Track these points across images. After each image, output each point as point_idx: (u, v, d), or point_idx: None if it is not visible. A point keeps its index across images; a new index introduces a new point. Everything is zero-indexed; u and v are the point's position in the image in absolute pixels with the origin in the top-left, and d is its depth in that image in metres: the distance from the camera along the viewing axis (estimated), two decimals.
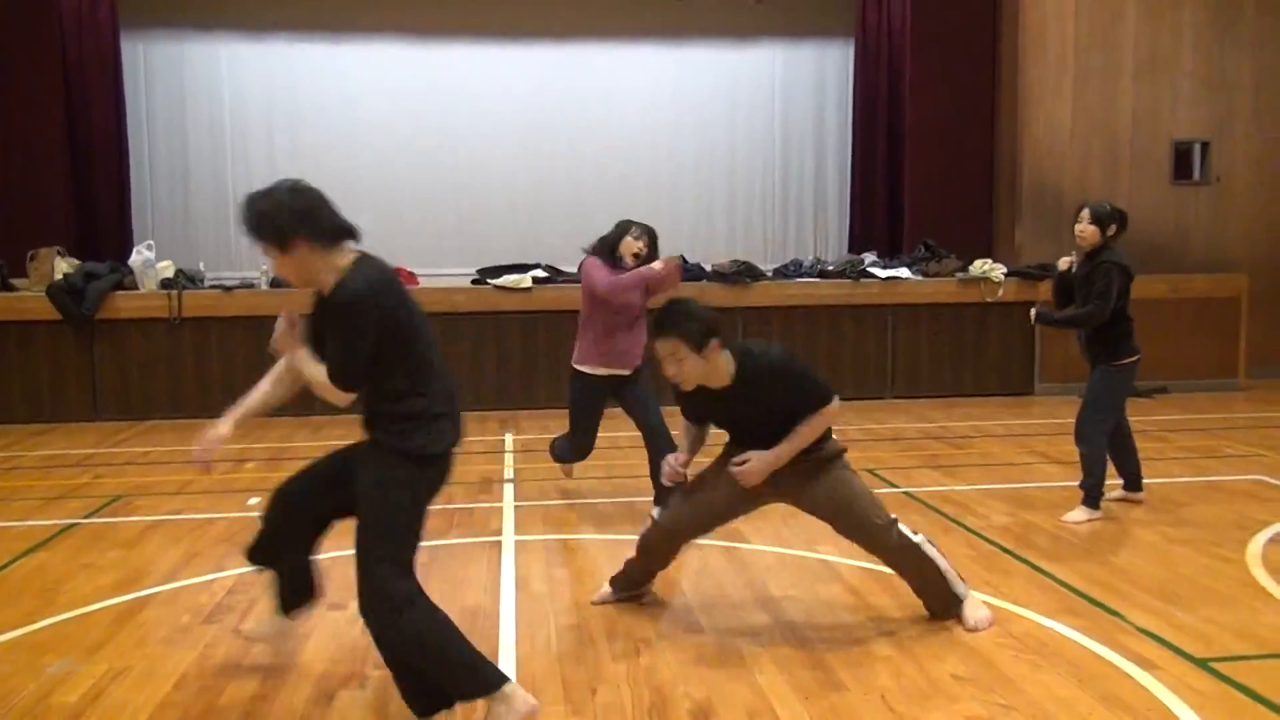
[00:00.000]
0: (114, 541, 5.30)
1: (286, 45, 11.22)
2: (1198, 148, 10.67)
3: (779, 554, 5.00)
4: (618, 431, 8.18)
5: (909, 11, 10.97)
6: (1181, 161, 10.65)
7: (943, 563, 4.05)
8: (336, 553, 5.01)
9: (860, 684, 3.53)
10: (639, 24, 11.46)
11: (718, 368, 3.78)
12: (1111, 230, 5.47)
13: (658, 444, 5.47)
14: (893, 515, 4.02)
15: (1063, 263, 5.80)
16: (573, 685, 3.54)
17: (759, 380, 3.81)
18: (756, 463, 3.85)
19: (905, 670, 3.63)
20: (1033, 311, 5.77)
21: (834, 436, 4.05)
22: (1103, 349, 5.53)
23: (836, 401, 3.92)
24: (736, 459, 3.89)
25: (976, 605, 4.05)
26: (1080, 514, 5.55)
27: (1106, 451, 5.60)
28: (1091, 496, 5.57)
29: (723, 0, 11.43)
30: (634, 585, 4.32)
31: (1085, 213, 5.51)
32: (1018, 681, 3.52)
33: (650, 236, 5.57)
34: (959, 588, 4.06)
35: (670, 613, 4.24)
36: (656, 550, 4.18)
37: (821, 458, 3.97)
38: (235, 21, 11.03)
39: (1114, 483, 5.80)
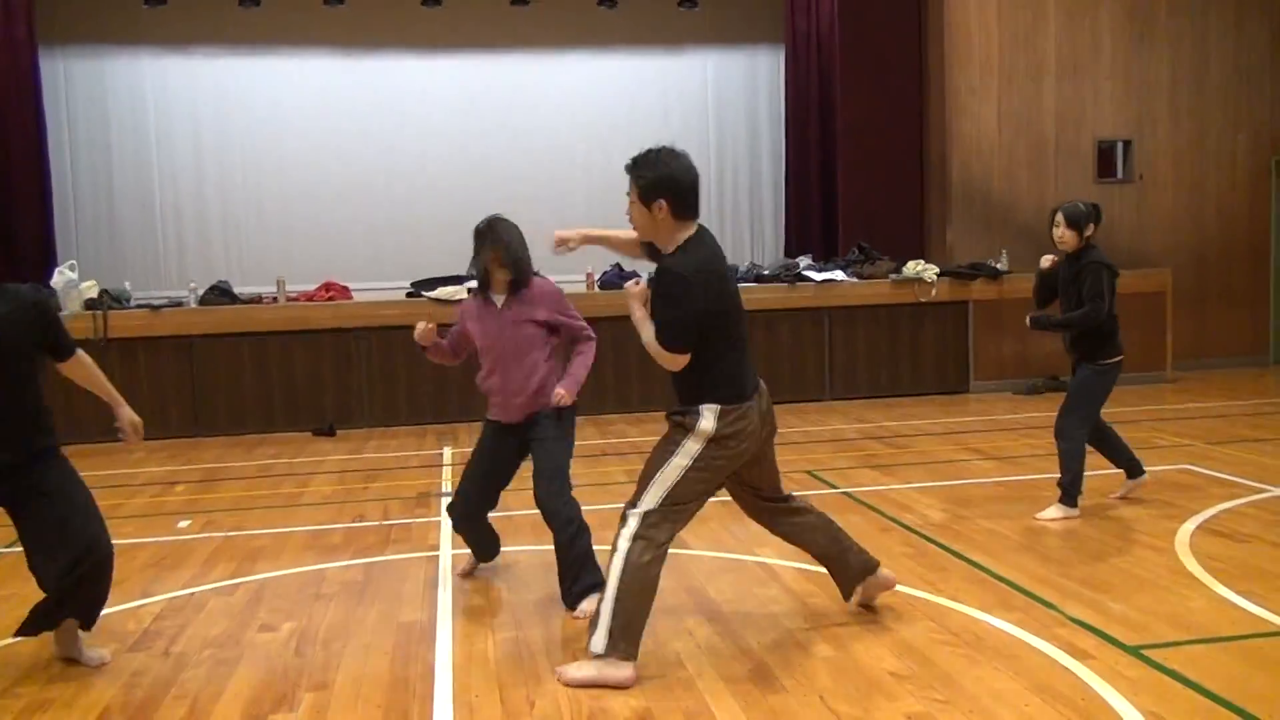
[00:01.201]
0: None
1: (212, 60, 11.06)
2: (1120, 146, 10.91)
3: (719, 558, 5.00)
4: None
5: (836, 17, 11.08)
6: (1105, 160, 10.89)
7: (607, 606, 3.53)
8: (271, 574, 4.93)
9: (800, 685, 3.52)
10: (570, 33, 11.46)
11: (663, 230, 3.58)
12: (1090, 230, 5.40)
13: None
14: (641, 519, 3.56)
15: (1045, 261, 5.72)
16: (510, 698, 3.49)
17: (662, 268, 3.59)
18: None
19: (844, 670, 3.64)
20: (1029, 318, 5.64)
21: (715, 418, 3.56)
22: (1090, 348, 5.48)
23: (660, 346, 3.54)
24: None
25: (581, 666, 3.56)
26: (1056, 511, 5.48)
27: (1085, 449, 5.53)
28: (1069, 494, 5.49)
29: (652, 8, 11.46)
30: None
31: (1060, 217, 5.42)
32: (955, 676, 3.54)
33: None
34: (598, 638, 3.53)
35: None
36: None
37: (676, 419, 3.64)
38: (159, 36, 10.84)
39: (1101, 474, 5.87)
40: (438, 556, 5.18)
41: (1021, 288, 9.96)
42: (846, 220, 11.12)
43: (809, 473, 6.82)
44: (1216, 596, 4.24)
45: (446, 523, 5.81)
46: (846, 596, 4.15)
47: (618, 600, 3.54)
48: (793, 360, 9.77)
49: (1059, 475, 5.52)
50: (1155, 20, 10.88)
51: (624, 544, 3.58)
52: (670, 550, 5.00)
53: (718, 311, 3.57)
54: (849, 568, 4.10)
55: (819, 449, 7.65)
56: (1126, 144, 10.91)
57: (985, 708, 3.29)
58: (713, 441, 3.59)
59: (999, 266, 10.03)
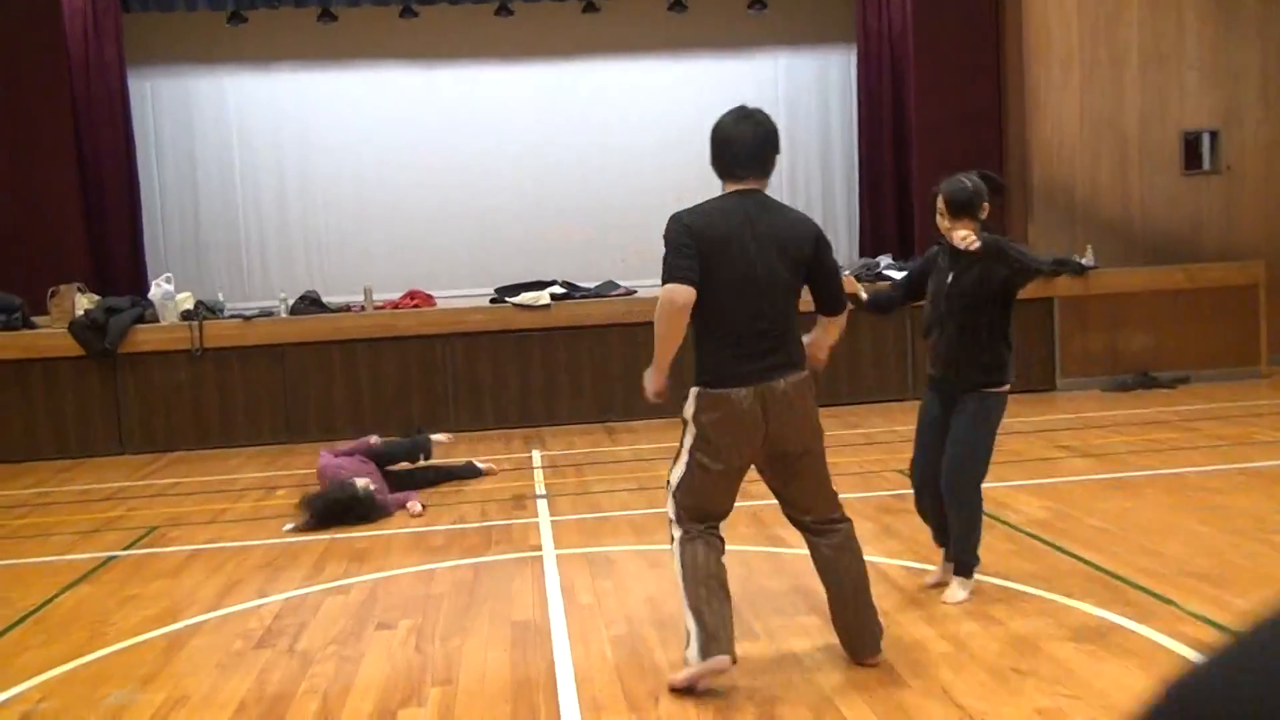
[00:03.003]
0: (155, 572, 5.30)
1: (292, 75, 11.29)
2: (1206, 137, 10.67)
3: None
4: (641, 444, 8.21)
5: (909, 15, 11.00)
6: (1191, 152, 10.65)
7: (688, 612, 3.48)
8: (380, 574, 5.02)
9: (921, 681, 3.51)
10: (641, 39, 11.52)
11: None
12: (984, 212, 4.07)
13: None
14: (671, 524, 3.60)
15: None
16: (635, 695, 3.53)
17: None
18: None
19: (964, 666, 3.62)
20: (866, 297, 4.37)
21: (693, 400, 3.53)
22: (987, 366, 4.12)
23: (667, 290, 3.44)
24: None
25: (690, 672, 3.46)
26: (961, 590, 4.17)
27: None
28: (965, 563, 4.20)
29: (722, 11, 11.48)
30: None
31: (941, 203, 4.09)
32: (1080, 673, 3.51)
33: None
34: (691, 647, 3.46)
35: None
36: None
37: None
38: (240, 54, 11.10)
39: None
40: (541, 557, 5.23)
41: (1108, 283, 9.84)
42: (923, 220, 11.02)
43: (900, 472, 6.77)
44: None
45: (546, 524, 5.90)
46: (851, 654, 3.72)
47: (690, 607, 3.50)
48: (876, 360, 9.71)
49: (955, 548, 4.18)
50: (1242, 6, 10.64)
51: (673, 550, 3.61)
52: (771, 550, 5.01)
53: (706, 264, 3.43)
54: (857, 637, 3.70)
55: (908, 448, 7.56)
56: (1213, 135, 10.67)
57: (1118, 703, 3.26)
58: (697, 429, 3.51)
59: (1085, 262, 9.86)
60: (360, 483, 6.11)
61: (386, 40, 11.25)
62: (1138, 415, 8.40)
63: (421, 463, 7.00)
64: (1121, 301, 9.84)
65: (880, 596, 4.36)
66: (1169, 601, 4.12)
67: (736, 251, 3.45)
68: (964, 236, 3.86)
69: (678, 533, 3.60)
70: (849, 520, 3.73)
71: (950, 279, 4.16)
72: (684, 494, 3.58)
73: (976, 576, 4.34)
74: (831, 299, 3.69)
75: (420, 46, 11.30)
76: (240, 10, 10.62)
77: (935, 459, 4.19)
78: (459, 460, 7.39)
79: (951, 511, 4.14)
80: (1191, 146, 10.67)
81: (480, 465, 7.33)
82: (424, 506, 6.28)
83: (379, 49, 11.33)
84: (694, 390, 3.53)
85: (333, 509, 5.94)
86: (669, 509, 3.64)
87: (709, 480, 3.55)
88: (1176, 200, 10.64)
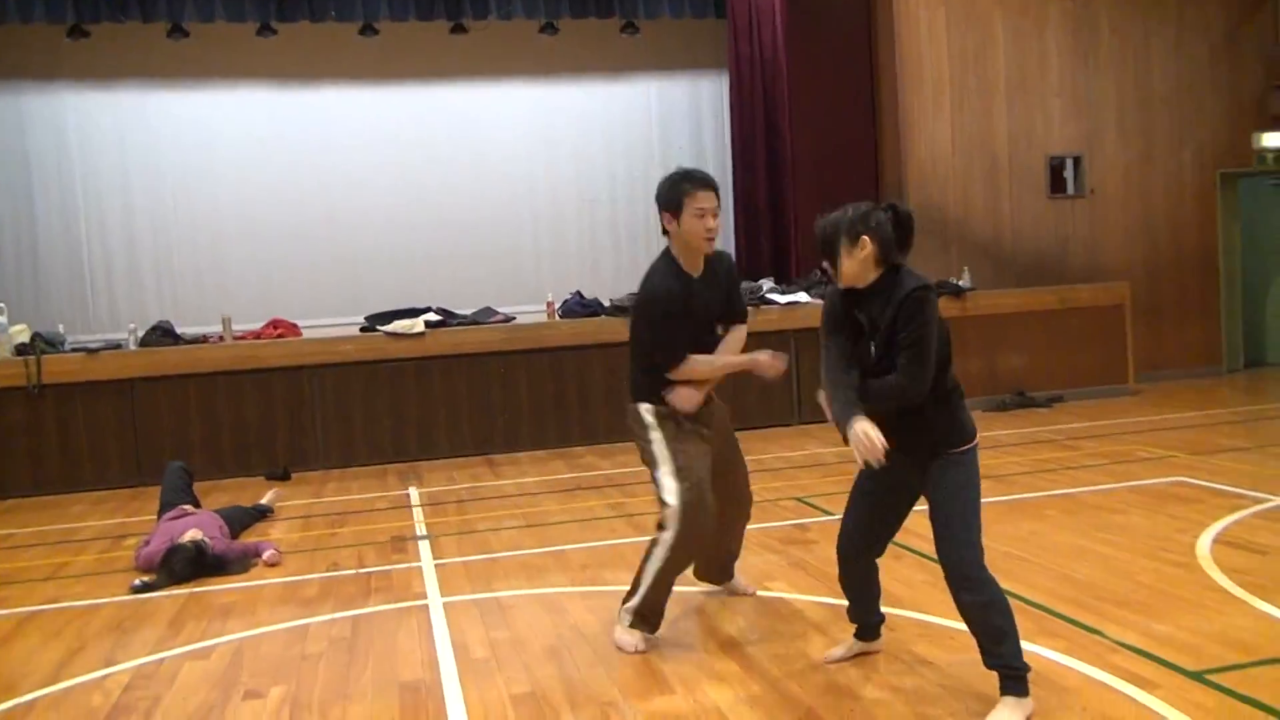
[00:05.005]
0: None
1: (139, 94, 10.55)
2: (1070, 162, 10.97)
3: (723, 596, 4.71)
4: (526, 477, 7.83)
5: (780, 42, 10.98)
6: (1056, 176, 10.93)
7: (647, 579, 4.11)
8: (246, 633, 4.51)
9: None
10: (511, 62, 11.19)
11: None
12: (865, 248, 3.37)
13: None
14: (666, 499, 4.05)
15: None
16: None
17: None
18: None
19: (900, 713, 3.37)
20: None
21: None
22: (941, 431, 3.44)
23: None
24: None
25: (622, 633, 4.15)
26: (1010, 714, 3.21)
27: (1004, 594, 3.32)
28: (1016, 677, 3.26)
29: (594, 34, 11.26)
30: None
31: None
32: None
33: None
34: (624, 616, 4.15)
35: (632, 669, 3.89)
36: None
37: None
38: (81, 70, 10.31)
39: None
40: (426, 606, 4.81)
41: (984, 304, 9.95)
42: (801, 244, 10.97)
43: (799, 499, 6.58)
44: (1260, 613, 4.06)
45: (430, 568, 5.47)
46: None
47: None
48: (760, 384, 9.52)
49: (988, 653, 3.28)
50: (1099, 39, 10.99)
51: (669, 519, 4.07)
52: (677, 588, 4.65)
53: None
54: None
55: (804, 474, 7.42)
56: (1076, 160, 10.96)
57: None
58: (670, 422, 4.19)
59: (962, 284, 9.95)
60: (187, 536, 5.58)
61: (243, 58, 10.63)
62: (1022, 435, 8.44)
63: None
64: (997, 323, 9.96)
65: (798, 637, 4.14)
66: (1094, 631, 3.98)
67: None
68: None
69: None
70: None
71: (872, 350, 3.42)
72: (686, 468, 4.06)
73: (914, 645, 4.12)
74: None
75: (279, 65, 10.71)
76: (82, 24, 9.88)
77: (864, 532, 3.72)
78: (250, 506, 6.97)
79: (970, 610, 3.26)
80: (1057, 171, 10.94)
81: (264, 502, 7.02)
82: (280, 553, 5.77)
83: (235, 67, 10.69)
84: (649, 405, 4.19)
85: (178, 569, 5.40)
86: (673, 496, 4.02)
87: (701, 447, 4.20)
88: (1044, 222, 10.88)
